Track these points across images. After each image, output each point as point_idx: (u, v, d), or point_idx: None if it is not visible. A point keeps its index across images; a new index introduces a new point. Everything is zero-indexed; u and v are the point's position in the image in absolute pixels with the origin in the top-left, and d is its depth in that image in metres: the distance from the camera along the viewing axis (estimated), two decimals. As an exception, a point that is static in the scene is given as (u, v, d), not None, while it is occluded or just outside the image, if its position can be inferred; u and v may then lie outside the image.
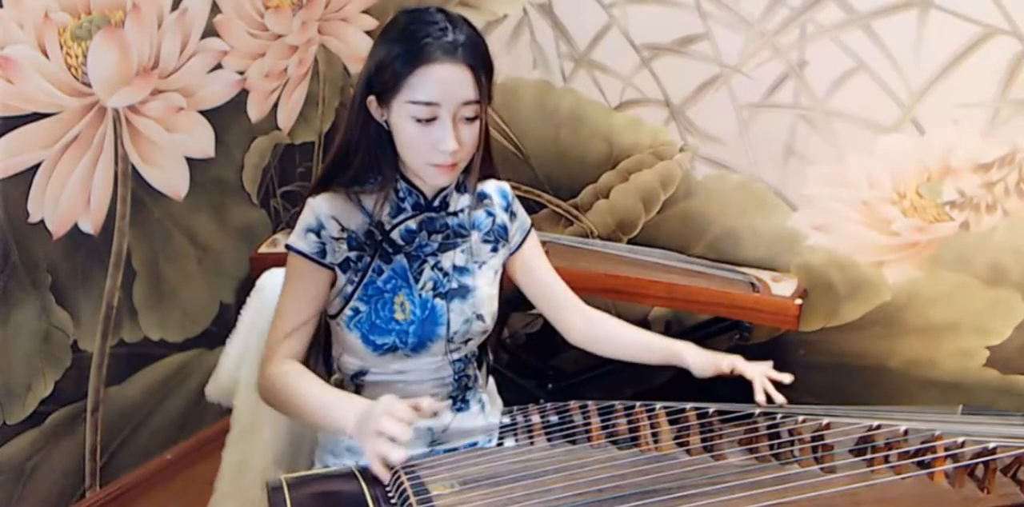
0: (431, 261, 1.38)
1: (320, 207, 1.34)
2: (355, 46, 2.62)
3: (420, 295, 1.37)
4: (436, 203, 1.39)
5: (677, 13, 2.22)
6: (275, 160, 2.51)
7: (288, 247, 1.35)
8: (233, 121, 2.33)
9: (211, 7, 2.17)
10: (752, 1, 2.14)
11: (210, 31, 2.18)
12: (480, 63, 1.26)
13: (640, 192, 2.41)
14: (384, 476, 1.15)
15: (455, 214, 1.41)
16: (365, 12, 2.58)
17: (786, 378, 1.40)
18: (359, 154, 1.34)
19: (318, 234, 1.33)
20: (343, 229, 1.34)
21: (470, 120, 1.27)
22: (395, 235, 1.37)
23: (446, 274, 1.39)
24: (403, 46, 1.24)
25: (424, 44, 1.23)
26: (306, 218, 1.34)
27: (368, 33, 2.60)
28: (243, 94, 2.33)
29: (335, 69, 2.64)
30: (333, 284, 1.36)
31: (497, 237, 1.47)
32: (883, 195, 2.16)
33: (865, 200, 2.18)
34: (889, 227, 2.17)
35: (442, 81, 1.23)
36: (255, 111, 2.39)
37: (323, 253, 1.33)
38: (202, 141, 2.25)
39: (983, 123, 2.03)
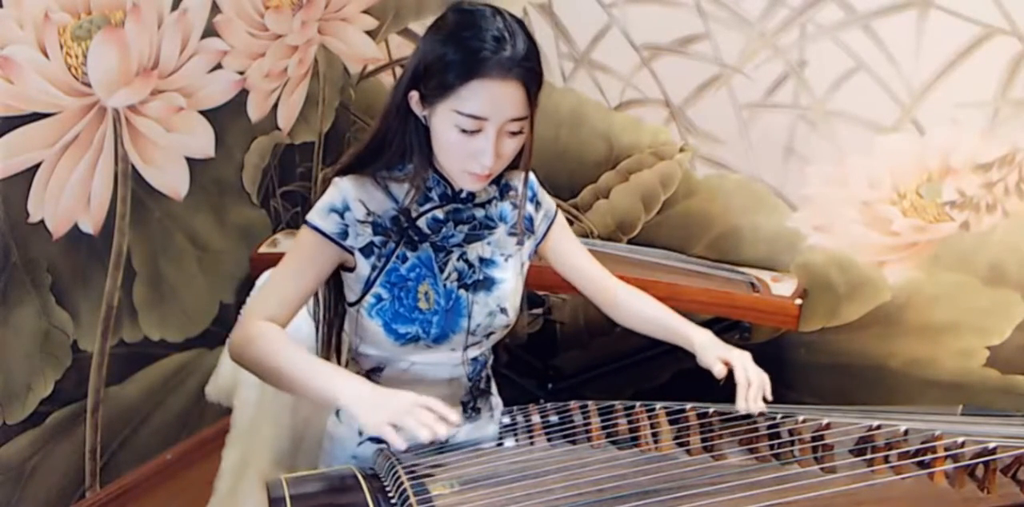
0: (457, 252, 1.38)
1: (347, 188, 1.32)
2: (355, 46, 2.62)
3: (445, 285, 1.36)
4: (463, 194, 1.38)
5: (677, 13, 2.22)
6: (275, 160, 2.51)
7: (306, 222, 1.32)
8: (233, 121, 2.33)
9: (211, 7, 2.17)
10: (752, 1, 2.14)
11: (210, 31, 2.18)
12: (533, 79, 1.24)
13: (640, 192, 2.41)
14: (400, 443, 1.13)
15: (482, 205, 1.41)
16: (365, 12, 2.58)
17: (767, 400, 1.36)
18: (394, 144, 1.32)
19: (342, 215, 1.31)
20: (369, 213, 1.32)
21: (513, 134, 1.26)
22: (421, 223, 1.36)
23: (471, 266, 1.38)
24: (458, 54, 1.21)
25: (482, 57, 1.19)
26: (331, 197, 1.32)
27: (368, 33, 2.60)
28: (243, 94, 2.34)
29: (335, 69, 2.64)
30: (344, 267, 1.35)
31: (523, 230, 1.46)
32: (883, 195, 2.16)
33: (865, 200, 2.18)
34: (889, 227, 2.17)
35: (494, 97, 1.21)
36: (255, 111, 2.39)
37: (344, 235, 1.31)
38: (202, 141, 2.25)
39: (983, 123, 2.03)
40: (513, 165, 1.39)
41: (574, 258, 1.54)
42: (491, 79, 1.20)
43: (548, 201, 1.52)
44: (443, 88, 1.22)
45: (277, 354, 1.24)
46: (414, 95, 1.28)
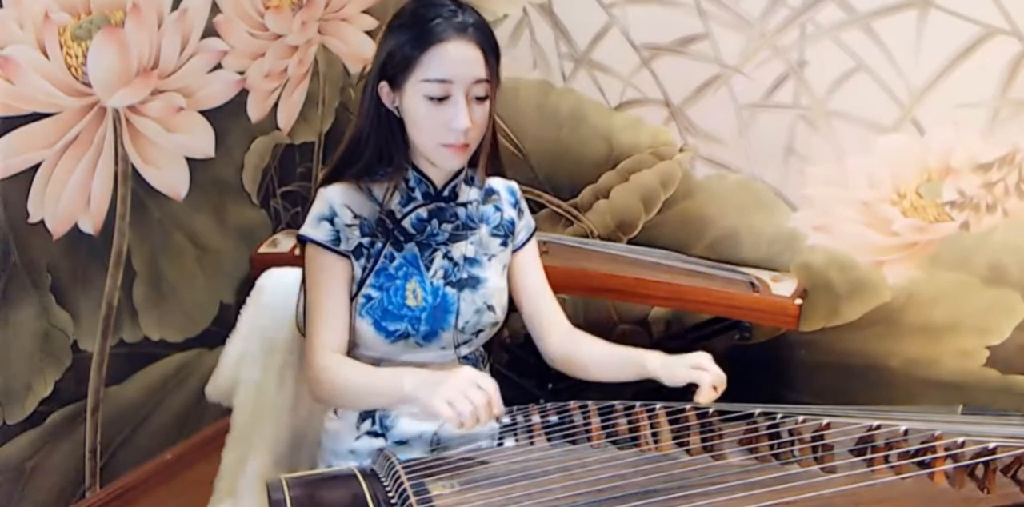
0: (442, 250, 1.40)
1: (332, 196, 1.36)
2: (355, 46, 2.62)
3: (432, 282, 1.38)
4: (446, 192, 1.40)
5: (677, 13, 2.22)
6: (275, 160, 2.51)
7: (302, 238, 1.36)
8: (233, 121, 2.33)
9: (211, 7, 2.17)
10: (752, 1, 2.14)
11: (210, 31, 2.18)
12: (489, 44, 1.30)
13: (640, 192, 2.41)
14: (455, 421, 1.14)
15: (464, 205, 1.43)
16: (365, 12, 2.58)
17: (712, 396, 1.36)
18: (370, 143, 1.36)
19: (331, 222, 1.35)
20: (355, 216, 1.36)
21: (481, 100, 1.30)
22: (406, 223, 1.39)
23: (456, 264, 1.41)
24: (415, 29, 1.28)
25: (435, 24, 1.27)
26: (318, 207, 1.36)
27: (368, 33, 2.60)
28: (243, 94, 2.33)
29: (335, 69, 2.64)
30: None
31: (505, 232, 1.48)
32: (883, 195, 2.16)
33: (865, 200, 2.18)
34: (889, 227, 2.17)
35: (455, 59, 1.27)
36: (255, 111, 2.39)
37: (337, 241, 1.35)
38: (202, 141, 2.25)
39: (983, 123, 2.03)
40: (495, 172, 1.43)
41: (536, 283, 1.53)
42: (449, 41, 1.27)
43: (530, 216, 1.55)
44: (406, 63, 1.28)
45: (347, 384, 1.30)
46: (383, 86, 1.33)
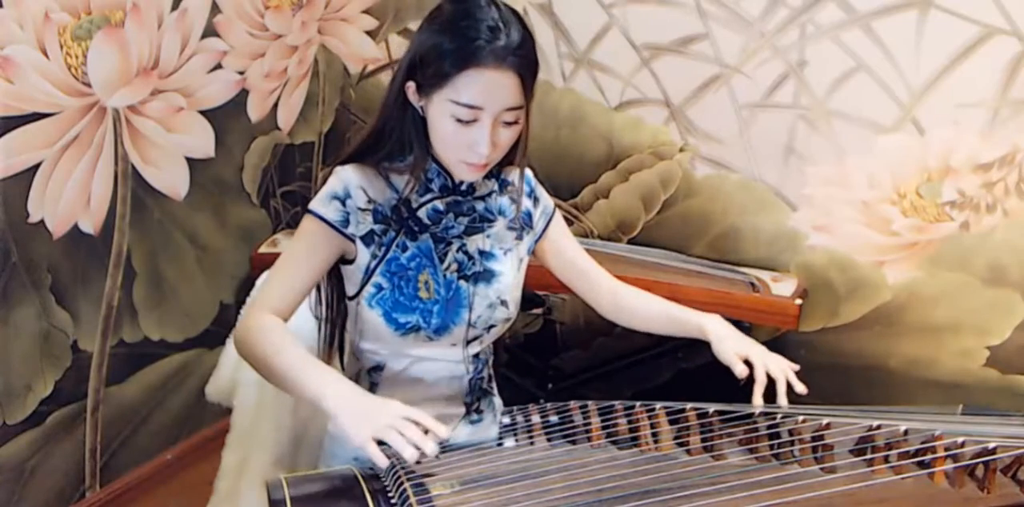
0: (456, 243, 1.38)
1: (349, 176, 1.32)
2: (355, 46, 2.62)
3: (445, 275, 1.36)
4: (463, 186, 1.38)
5: (677, 13, 2.22)
6: (275, 160, 2.51)
7: (309, 211, 1.31)
8: (233, 121, 2.33)
9: (211, 7, 2.17)
10: (752, 1, 2.14)
11: (210, 31, 2.18)
12: (528, 69, 1.24)
13: (640, 192, 2.41)
14: (382, 461, 1.10)
15: (482, 199, 1.41)
16: (365, 12, 2.58)
17: (799, 388, 1.36)
18: (393, 136, 1.33)
19: (343, 203, 1.31)
20: (370, 201, 1.32)
21: (509, 124, 1.26)
22: (421, 214, 1.36)
23: (471, 257, 1.39)
24: (454, 43, 1.21)
25: (476, 46, 1.20)
26: (332, 185, 1.32)
27: (368, 33, 2.60)
28: (243, 94, 2.34)
29: (335, 69, 2.64)
30: (344, 259, 1.35)
31: (522, 224, 1.46)
32: (883, 195, 2.16)
33: (865, 200, 2.18)
34: (889, 227, 2.17)
35: (489, 87, 1.21)
36: (255, 111, 2.39)
37: (346, 222, 1.31)
38: (202, 141, 2.25)
39: (983, 123, 2.03)
40: (508, 160, 1.38)
41: (573, 257, 1.54)
42: (486, 68, 1.21)
43: (546, 198, 1.52)
44: (439, 77, 1.23)
45: (275, 352, 1.22)
46: (411, 86, 1.28)
